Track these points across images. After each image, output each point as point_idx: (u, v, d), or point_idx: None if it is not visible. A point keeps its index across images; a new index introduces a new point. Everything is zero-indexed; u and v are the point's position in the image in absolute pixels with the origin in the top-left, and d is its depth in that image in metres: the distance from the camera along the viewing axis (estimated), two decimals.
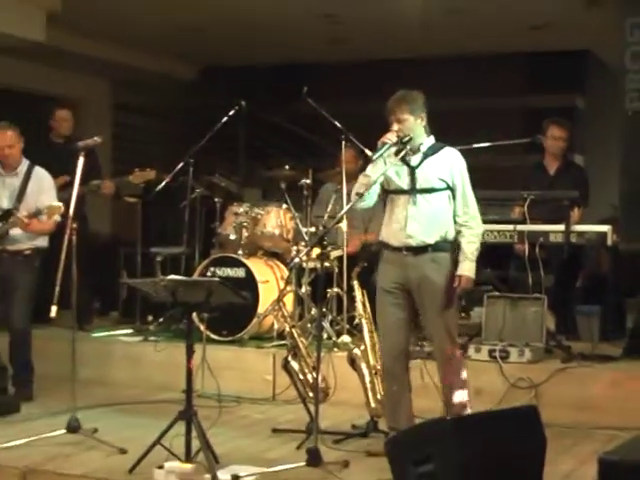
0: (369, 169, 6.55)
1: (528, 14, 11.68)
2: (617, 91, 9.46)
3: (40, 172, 8.38)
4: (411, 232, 6.47)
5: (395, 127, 6.48)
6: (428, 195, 6.48)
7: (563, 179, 9.24)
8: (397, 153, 6.51)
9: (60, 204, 7.77)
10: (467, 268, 6.47)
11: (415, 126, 6.52)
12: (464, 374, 6.64)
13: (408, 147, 6.49)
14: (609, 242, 8.36)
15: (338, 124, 8.89)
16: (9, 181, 8.33)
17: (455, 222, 6.53)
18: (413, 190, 6.49)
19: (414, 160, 6.53)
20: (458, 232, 6.52)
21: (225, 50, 14.01)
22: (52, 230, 8.15)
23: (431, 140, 6.63)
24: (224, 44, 13.63)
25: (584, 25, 11.84)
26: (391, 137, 6.45)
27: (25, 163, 8.37)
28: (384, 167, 6.50)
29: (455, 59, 13.44)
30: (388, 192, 6.60)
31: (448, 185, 6.49)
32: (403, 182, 6.53)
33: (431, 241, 6.46)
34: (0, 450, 6.62)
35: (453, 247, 6.53)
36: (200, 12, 11.95)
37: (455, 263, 6.51)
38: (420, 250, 6.47)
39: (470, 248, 6.48)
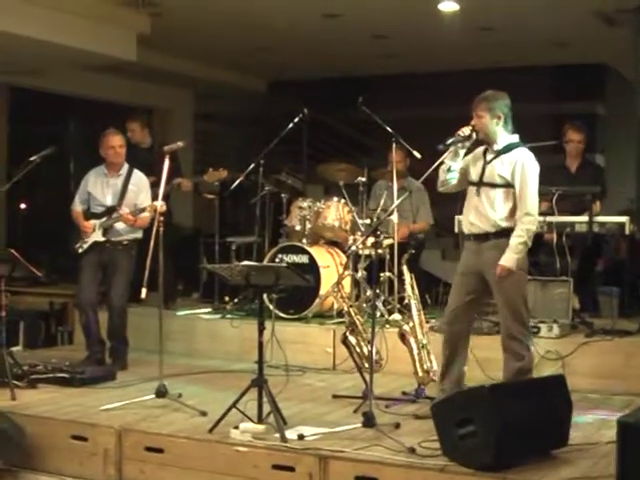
0: (446, 158, 6.43)
1: (554, 32, 11.57)
2: (633, 99, 9.35)
3: (138, 174, 8.43)
4: (473, 221, 6.37)
5: (473, 122, 6.36)
6: (489, 189, 6.31)
7: (583, 176, 9.11)
8: (475, 147, 6.44)
9: (161, 203, 7.83)
10: (507, 258, 6.22)
11: (490, 124, 6.31)
12: (529, 349, 6.45)
13: (469, 142, 6.39)
14: (627, 231, 8.26)
15: (389, 129, 8.85)
16: (112, 181, 8.37)
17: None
18: (480, 183, 6.36)
19: (489, 156, 6.39)
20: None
21: (290, 66, 14.03)
22: (147, 224, 8.21)
23: (510, 139, 6.39)
24: (289, 61, 13.67)
25: (603, 42, 11.71)
26: (465, 130, 6.32)
27: (126, 166, 8.41)
28: (459, 157, 6.41)
29: (489, 71, 13.35)
30: (469, 183, 6.49)
31: (507, 182, 6.27)
32: (476, 175, 6.41)
33: (491, 230, 6.30)
34: (99, 412, 6.65)
35: None
36: (269, 34, 11.97)
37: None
38: (482, 237, 6.33)
39: (515, 241, 6.21)
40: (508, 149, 6.35)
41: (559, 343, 7.74)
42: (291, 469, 5.65)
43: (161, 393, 6.87)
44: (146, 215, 8.09)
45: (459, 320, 6.54)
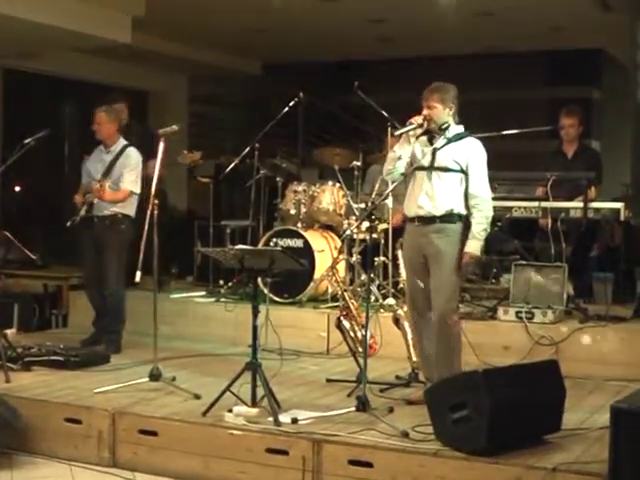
0: (396, 146, 6.49)
1: (550, 16, 11.56)
2: (629, 85, 9.35)
3: (130, 151, 8.36)
4: (421, 204, 6.38)
5: (425, 112, 6.39)
6: (442, 174, 6.34)
7: (580, 161, 9.10)
8: (422, 135, 6.45)
9: (108, 182, 7.89)
10: (472, 246, 6.28)
11: (442, 114, 6.39)
12: (459, 341, 6.48)
13: (421, 131, 6.42)
14: (622, 217, 8.27)
15: (385, 113, 8.83)
16: (104, 157, 8.35)
17: (467, 204, 6.39)
18: (430, 168, 6.38)
19: (439, 143, 6.41)
20: (470, 213, 6.36)
21: (286, 48, 14.00)
22: (124, 200, 8.20)
23: (458, 129, 6.48)
24: (285, 43, 13.63)
25: (599, 27, 11.71)
26: (417, 119, 6.36)
27: (121, 143, 8.39)
28: (409, 146, 6.44)
29: (484, 56, 13.36)
30: (414, 169, 6.50)
31: (462, 168, 6.34)
32: (425, 160, 6.41)
33: (437, 213, 6.32)
34: (93, 395, 6.66)
35: (463, 223, 6.37)
36: (265, 17, 11.94)
37: (464, 239, 6.34)
38: (428, 220, 6.35)
39: (477, 228, 6.30)
40: (459, 137, 6.41)
41: (553, 329, 7.76)
42: (285, 453, 5.67)
43: (155, 376, 6.87)
44: (116, 192, 8.13)
45: (421, 308, 6.51)
